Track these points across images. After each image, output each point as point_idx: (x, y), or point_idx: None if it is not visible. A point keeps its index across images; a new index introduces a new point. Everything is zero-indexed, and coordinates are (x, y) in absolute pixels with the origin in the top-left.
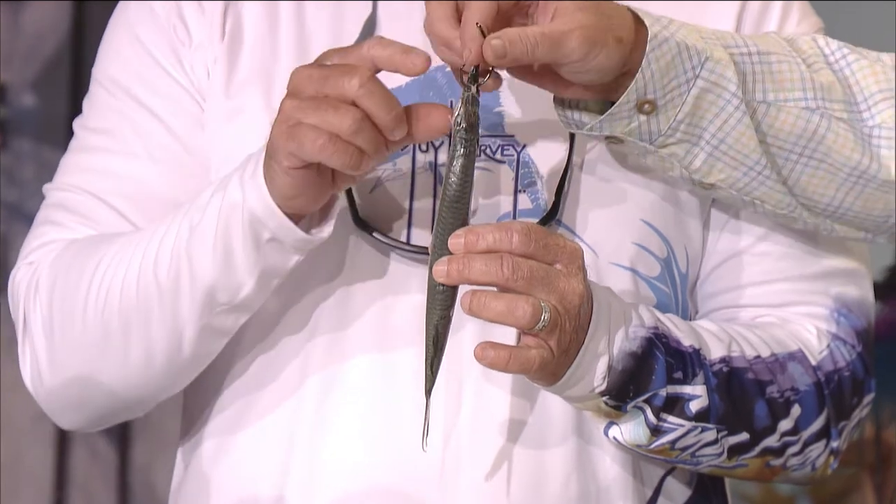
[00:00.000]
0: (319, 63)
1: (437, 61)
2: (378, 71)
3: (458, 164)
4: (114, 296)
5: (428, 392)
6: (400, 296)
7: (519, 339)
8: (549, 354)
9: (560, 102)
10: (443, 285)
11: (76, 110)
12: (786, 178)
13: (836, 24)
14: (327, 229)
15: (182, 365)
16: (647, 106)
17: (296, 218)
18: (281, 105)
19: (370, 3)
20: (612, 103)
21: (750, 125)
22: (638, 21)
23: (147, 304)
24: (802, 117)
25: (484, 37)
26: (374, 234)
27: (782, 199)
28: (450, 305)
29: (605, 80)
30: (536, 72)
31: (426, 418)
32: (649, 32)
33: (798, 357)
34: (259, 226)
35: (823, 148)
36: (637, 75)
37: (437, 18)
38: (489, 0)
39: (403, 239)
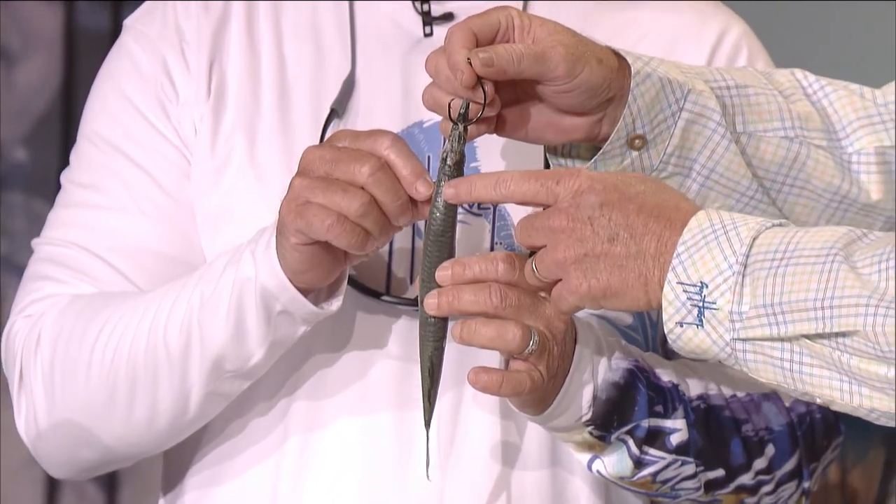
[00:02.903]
0: (331, 144)
1: (415, 118)
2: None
3: (442, 199)
4: (120, 357)
5: (427, 423)
6: (380, 349)
7: (507, 365)
8: (539, 377)
9: (553, 151)
10: (434, 317)
11: (67, 165)
12: (775, 202)
13: (837, 24)
14: (336, 303)
15: (184, 425)
16: (637, 141)
17: (306, 291)
18: (291, 183)
19: (349, 60)
20: (599, 147)
21: (737, 152)
22: (616, 53)
23: (155, 368)
24: (782, 146)
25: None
26: (355, 286)
27: None
28: (442, 336)
29: (592, 103)
30: (528, 121)
31: (427, 449)
32: (632, 68)
33: (772, 397)
34: (271, 299)
35: (804, 175)
36: (625, 111)
37: (456, 48)
38: (467, 30)
39: (383, 290)
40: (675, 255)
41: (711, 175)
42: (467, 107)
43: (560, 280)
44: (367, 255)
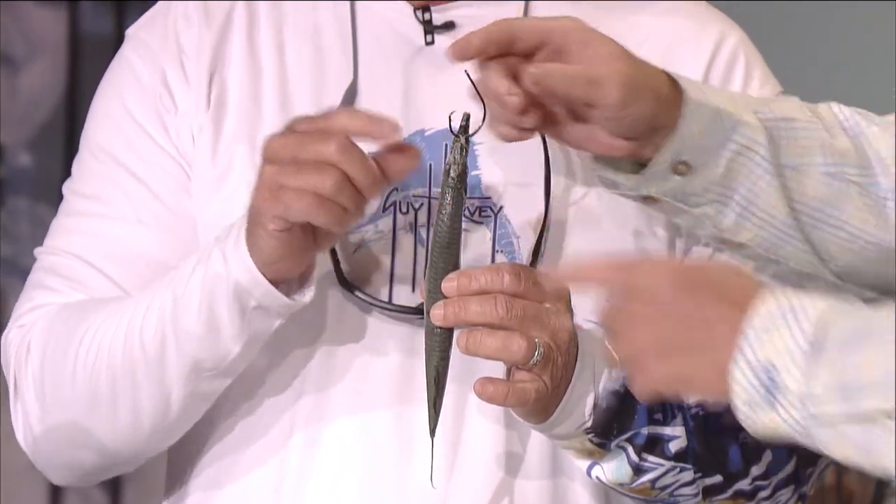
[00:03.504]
0: (291, 129)
1: (416, 126)
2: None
3: (447, 211)
4: (101, 362)
5: (432, 431)
6: (382, 354)
7: (510, 375)
8: (543, 388)
9: (596, 161)
10: (440, 328)
11: (70, 170)
12: (809, 238)
13: (837, 24)
14: (309, 294)
15: (169, 427)
16: (681, 167)
17: (277, 283)
18: (260, 172)
19: (351, 69)
20: (641, 163)
21: (778, 188)
22: (670, 79)
23: (133, 371)
24: (824, 182)
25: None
26: (358, 294)
27: (807, 258)
28: (447, 346)
29: (637, 132)
30: (568, 127)
31: (432, 456)
32: (685, 95)
33: None
34: (245, 295)
35: (843, 215)
36: (674, 137)
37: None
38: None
39: (386, 298)
40: (743, 338)
41: (749, 207)
42: (468, 120)
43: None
44: (341, 234)
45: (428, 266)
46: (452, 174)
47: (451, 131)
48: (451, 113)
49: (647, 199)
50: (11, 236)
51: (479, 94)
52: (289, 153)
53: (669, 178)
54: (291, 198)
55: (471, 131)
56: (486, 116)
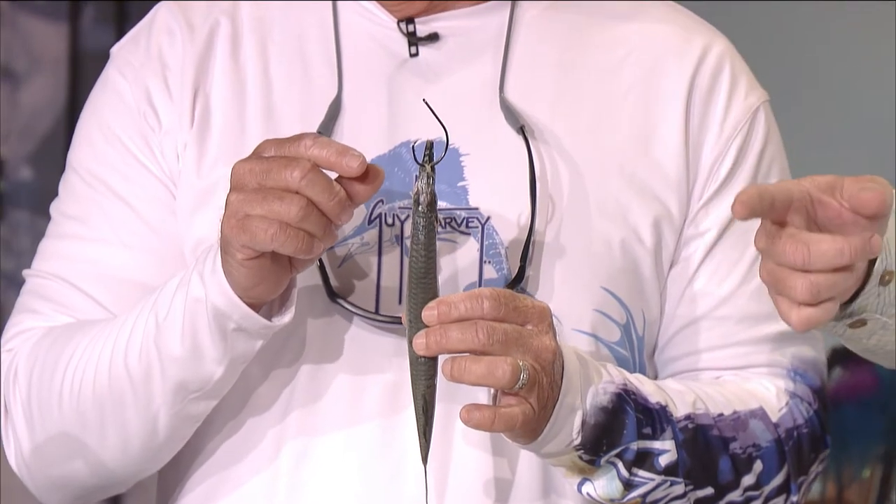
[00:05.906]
0: (258, 155)
1: (401, 137)
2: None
3: (421, 241)
4: (87, 386)
5: (424, 459)
6: (370, 365)
7: (495, 399)
8: (530, 410)
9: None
10: (424, 357)
11: None
12: None
13: (837, 24)
14: (288, 315)
15: (158, 448)
16: (886, 277)
17: (257, 306)
18: (227, 200)
19: (336, 83)
20: None
21: None
22: None
23: (120, 394)
24: None
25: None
26: (345, 305)
27: None
28: (433, 374)
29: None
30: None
31: (426, 486)
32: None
33: (759, 414)
34: (223, 318)
35: None
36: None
37: None
38: None
39: (373, 309)
40: None
41: None
42: (432, 147)
43: None
44: (314, 259)
45: (406, 297)
46: (422, 203)
47: (416, 161)
48: (414, 143)
49: (856, 324)
50: (12, 250)
51: (439, 120)
52: (254, 180)
53: (875, 291)
54: (257, 227)
55: (436, 158)
56: (449, 140)
